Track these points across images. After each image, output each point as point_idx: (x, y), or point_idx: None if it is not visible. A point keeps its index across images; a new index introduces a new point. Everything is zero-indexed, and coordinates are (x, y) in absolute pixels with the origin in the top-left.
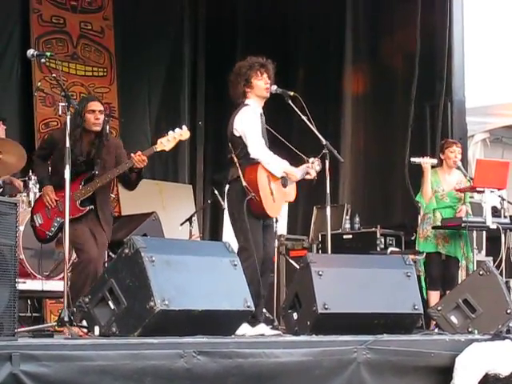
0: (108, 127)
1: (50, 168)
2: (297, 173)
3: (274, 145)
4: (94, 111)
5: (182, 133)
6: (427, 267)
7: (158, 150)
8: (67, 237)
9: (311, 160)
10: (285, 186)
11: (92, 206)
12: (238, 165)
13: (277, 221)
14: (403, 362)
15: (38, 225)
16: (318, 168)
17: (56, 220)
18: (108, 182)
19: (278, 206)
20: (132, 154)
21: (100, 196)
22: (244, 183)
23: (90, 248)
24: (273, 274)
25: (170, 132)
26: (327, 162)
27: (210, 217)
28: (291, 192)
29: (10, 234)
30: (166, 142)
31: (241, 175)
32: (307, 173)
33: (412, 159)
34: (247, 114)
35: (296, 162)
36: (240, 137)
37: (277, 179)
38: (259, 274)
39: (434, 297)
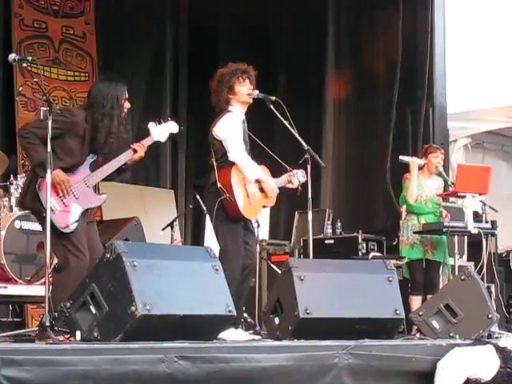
0: None
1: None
2: (270, 183)
3: (257, 152)
4: (126, 99)
5: (172, 125)
6: (411, 273)
7: (155, 139)
8: (48, 241)
9: (295, 171)
10: (263, 190)
11: (106, 196)
12: (215, 168)
13: (258, 225)
14: (385, 366)
15: (57, 211)
16: (303, 179)
17: (74, 208)
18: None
19: (254, 208)
20: (134, 144)
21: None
22: (219, 185)
23: (85, 255)
24: (254, 278)
25: (163, 124)
26: (309, 167)
27: (192, 222)
28: (272, 197)
29: None
30: (162, 133)
31: (216, 178)
32: (289, 181)
33: (401, 157)
34: (229, 120)
35: (279, 170)
36: (221, 141)
37: (255, 183)
38: (239, 276)
39: (417, 302)
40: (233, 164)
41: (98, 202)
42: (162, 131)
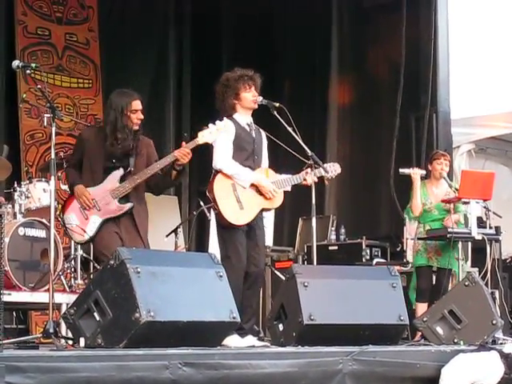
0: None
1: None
2: (267, 186)
3: (272, 151)
4: (137, 111)
5: (224, 124)
6: (417, 279)
7: (201, 142)
8: (52, 248)
9: (326, 165)
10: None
11: (132, 204)
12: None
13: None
14: (389, 372)
15: (73, 226)
16: (315, 178)
17: (93, 219)
18: (145, 180)
19: (248, 211)
20: (176, 151)
21: (135, 196)
22: (207, 193)
23: None
24: (260, 288)
25: (211, 124)
26: (313, 174)
27: (196, 228)
28: (275, 199)
29: None
30: (208, 135)
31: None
32: (304, 179)
33: (401, 170)
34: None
35: (296, 166)
36: None
37: (251, 186)
38: (242, 284)
39: (422, 309)
40: (218, 172)
41: (121, 210)
42: (208, 132)
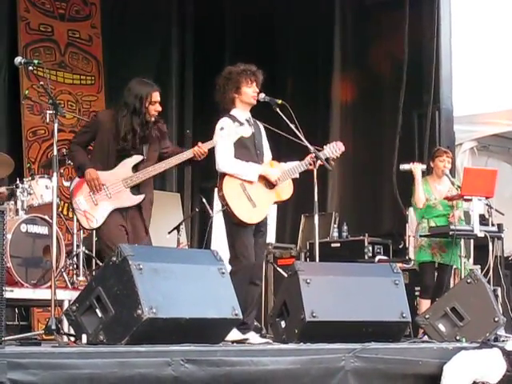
0: None
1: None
2: (273, 174)
3: (275, 142)
4: (156, 102)
5: (240, 129)
6: (421, 276)
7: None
8: (55, 244)
9: (330, 144)
10: (269, 184)
11: (144, 196)
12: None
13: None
14: (391, 370)
15: (82, 210)
16: (335, 153)
17: (104, 206)
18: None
19: (261, 209)
20: (194, 149)
21: (144, 185)
22: (220, 194)
23: None
24: (261, 282)
25: (227, 128)
26: (315, 170)
27: (198, 225)
28: (284, 190)
29: None
30: (226, 137)
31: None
32: (311, 163)
33: (401, 166)
34: (219, 128)
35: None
36: None
37: (259, 181)
38: (247, 280)
39: (425, 305)
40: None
41: (132, 202)
42: (228, 135)
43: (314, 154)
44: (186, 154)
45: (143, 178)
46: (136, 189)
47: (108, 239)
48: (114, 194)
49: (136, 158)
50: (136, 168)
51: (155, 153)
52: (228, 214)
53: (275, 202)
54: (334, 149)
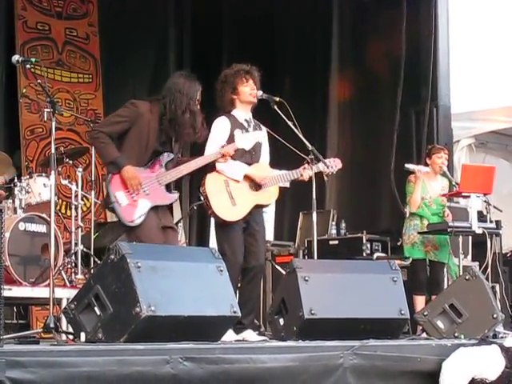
0: None
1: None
2: (259, 175)
3: (272, 147)
4: (199, 101)
5: (256, 134)
6: (413, 272)
7: (239, 147)
8: (53, 242)
9: (327, 160)
10: (256, 186)
11: (178, 194)
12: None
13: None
14: (390, 367)
15: (123, 205)
16: (311, 173)
17: (143, 203)
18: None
19: (240, 208)
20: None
21: (173, 182)
22: (201, 190)
23: None
24: (259, 282)
25: (250, 131)
26: (313, 168)
27: (197, 223)
28: (270, 195)
29: None
30: (245, 140)
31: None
32: (301, 174)
33: (406, 165)
34: (215, 125)
35: (296, 162)
36: None
37: (245, 181)
38: (236, 279)
39: (420, 301)
40: (214, 169)
41: (169, 201)
42: (246, 138)
43: (307, 165)
44: (215, 155)
45: (176, 177)
46: (168, 187)
47: (148, 239)
48: (152, 190)
49: (168, 156)
50: (167, 166)
51: (179, 153)
52: (205, 209)
53: (258, 205)
54: (331, 164)
